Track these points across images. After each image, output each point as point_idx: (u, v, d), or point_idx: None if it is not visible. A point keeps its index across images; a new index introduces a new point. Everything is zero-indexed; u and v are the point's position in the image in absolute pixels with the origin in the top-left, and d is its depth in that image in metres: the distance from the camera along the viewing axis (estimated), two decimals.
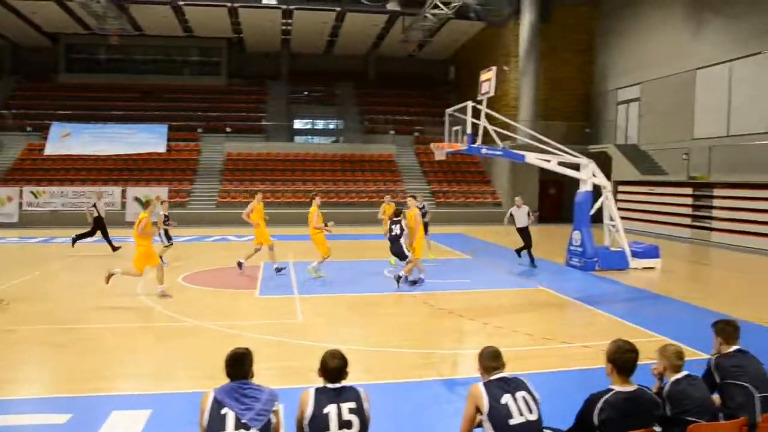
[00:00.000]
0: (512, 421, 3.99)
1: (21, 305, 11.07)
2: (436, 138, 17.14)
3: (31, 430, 5.91)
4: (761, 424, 4.38)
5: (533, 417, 4.04)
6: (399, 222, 13.15)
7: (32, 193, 28.21)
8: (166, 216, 16.27)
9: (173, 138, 33.31)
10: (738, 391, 4.66)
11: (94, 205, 18.55)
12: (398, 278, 12.60)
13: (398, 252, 13.16)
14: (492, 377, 4.23)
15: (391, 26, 35.79)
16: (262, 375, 7.05)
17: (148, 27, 36.56)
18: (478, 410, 4.13)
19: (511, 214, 16.28)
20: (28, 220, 27.29)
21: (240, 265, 14.37)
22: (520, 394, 4.11)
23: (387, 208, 16.64)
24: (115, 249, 18.09)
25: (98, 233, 18.42)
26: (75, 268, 15.60)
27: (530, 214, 16.24)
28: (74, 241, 18.40)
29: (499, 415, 4.00)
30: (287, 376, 7.13)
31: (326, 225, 13.90)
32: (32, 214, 27.65)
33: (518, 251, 16.48)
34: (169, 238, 16.34)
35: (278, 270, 14.26)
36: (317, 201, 14.08)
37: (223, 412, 3.83)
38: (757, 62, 21.99)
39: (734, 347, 4.92)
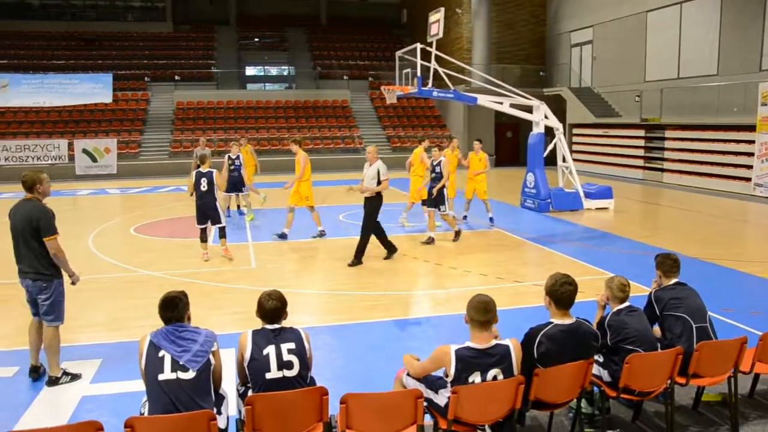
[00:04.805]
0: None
1: None
2: (390, 83, 16.95)
3: None
4: (696, 352, 4.54)
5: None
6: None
7: None
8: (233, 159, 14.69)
9: (119, 87, 32.14)
10: (676, 322, 4.80)
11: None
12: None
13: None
14: (473, 344, 3.92)
15: None
16: (216, 321, 7.08)
17: None
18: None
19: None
20: None
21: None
22: (491, 373, 3.92)
23: (243, 151, 15.20)
24: None
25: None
26: None
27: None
28: None
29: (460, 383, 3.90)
30: (241, 322, 7.12)
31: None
32: None
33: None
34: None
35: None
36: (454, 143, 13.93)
37: (160, 354, 3.81)
38: (706, 5, 22.15)
39: (674, 280, 5.03)
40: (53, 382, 5.68)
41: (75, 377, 5.78)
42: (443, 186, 11.68)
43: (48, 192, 5.81)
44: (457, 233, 12.12)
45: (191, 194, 10.81)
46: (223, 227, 10.72)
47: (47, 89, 30.46)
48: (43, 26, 36.92)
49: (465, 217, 14.26)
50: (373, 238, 10.44)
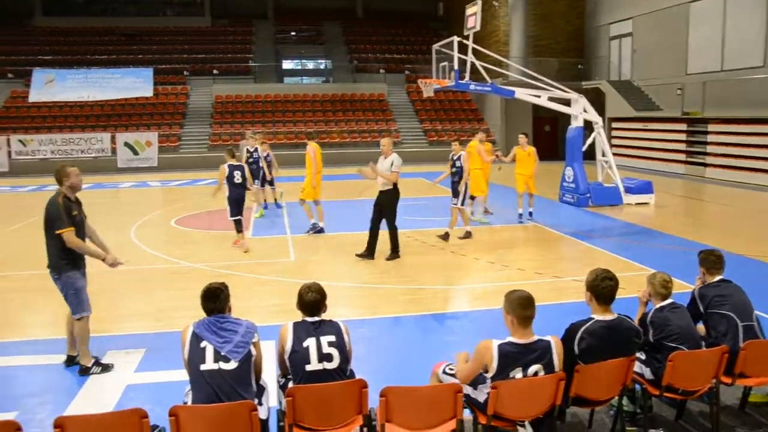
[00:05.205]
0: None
1: (12, 252, 11.07)
2: (427, 76, 16.93)
3: (30, 370, 6.04)
4: (742, 351, 4.44)
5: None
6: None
7: (20, 141, 27.86)
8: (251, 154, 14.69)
9: (159, 82, 32.70)
10: (721, 320, 4.69)
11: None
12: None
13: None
14: (515, 340, 3.88)
15: None
16: (255, 313, 7.16)
17: None
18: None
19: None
20: (18, 168, 27.05)
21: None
22: (533, 369, 3.88)
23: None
24: None
25: None
26: None
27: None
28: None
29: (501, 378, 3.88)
30: (280, 314, 7.20)
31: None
32: (22, 163, 27.40)
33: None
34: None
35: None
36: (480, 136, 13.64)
37: (202, 345, 3.87)
38: None
39: (718, 277, 4.91)
40: (84, 371, 5.81)
41: (106, 368, 5.89)
42: (461, 179, 11.37)
43: (76, 185, 5.82)
44: (447, 235, 11.61)
45: (219, 187, 11.10)
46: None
47: (91, 84, 31.19)
48: (86, 22, 37.67)
49: (522, 215, 13.66)
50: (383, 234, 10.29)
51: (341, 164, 26.99)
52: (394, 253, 10.24)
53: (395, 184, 10.02)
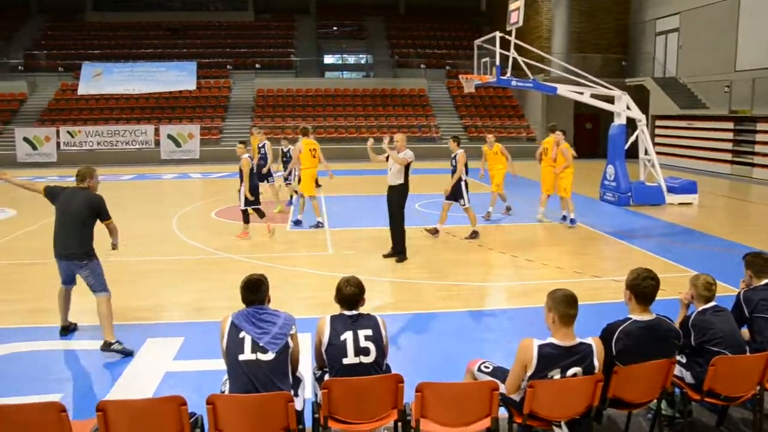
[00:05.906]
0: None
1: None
2: (468, 72, 16.79)
3: (72, 355, 6.24)
4: None
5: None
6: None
7: (69, 132, 28.54)
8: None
9: (203, 75, 33.22)
10: (767, 324, 4.56)
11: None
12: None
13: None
14: (557, 341, 3.81)
15: None
16: (292, 305, 7.22)
17: None
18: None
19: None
20: (66, 159, 27.61)
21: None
22: (572, 371, 3.81)
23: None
24: None
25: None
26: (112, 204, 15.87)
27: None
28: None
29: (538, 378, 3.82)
30: (316, 307, 7.24)
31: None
32: (70, 154, 28.00)
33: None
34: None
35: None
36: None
37: (241, 335, 3.91)
38: None
39: (765, 281, 4.77)
40: (107, 346, 6.07)
41: (125, 351, 6.09)
42: (459, 180, 11.05)
43: (96, 187, 6.45)
44: (474, 233, 11.42)
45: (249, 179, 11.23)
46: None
47: (136, 77, 31.88)
48: (133, 17, 38.47)
49: (564, 218, 12.99)
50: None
51: None
52: (402, 254, 9.82)
53: (406, 180, 9.59)
